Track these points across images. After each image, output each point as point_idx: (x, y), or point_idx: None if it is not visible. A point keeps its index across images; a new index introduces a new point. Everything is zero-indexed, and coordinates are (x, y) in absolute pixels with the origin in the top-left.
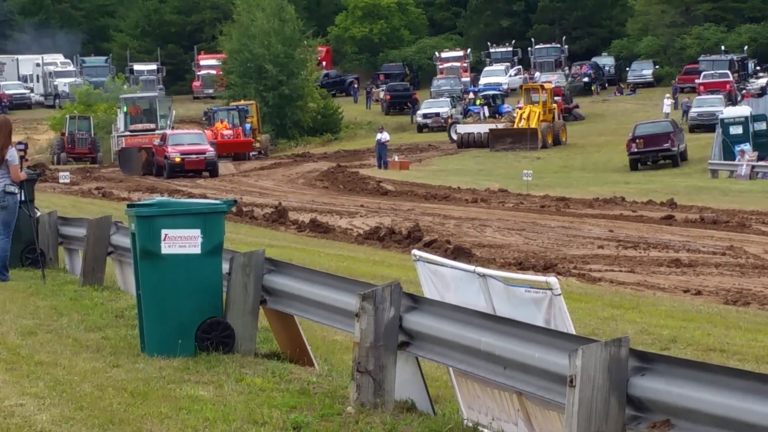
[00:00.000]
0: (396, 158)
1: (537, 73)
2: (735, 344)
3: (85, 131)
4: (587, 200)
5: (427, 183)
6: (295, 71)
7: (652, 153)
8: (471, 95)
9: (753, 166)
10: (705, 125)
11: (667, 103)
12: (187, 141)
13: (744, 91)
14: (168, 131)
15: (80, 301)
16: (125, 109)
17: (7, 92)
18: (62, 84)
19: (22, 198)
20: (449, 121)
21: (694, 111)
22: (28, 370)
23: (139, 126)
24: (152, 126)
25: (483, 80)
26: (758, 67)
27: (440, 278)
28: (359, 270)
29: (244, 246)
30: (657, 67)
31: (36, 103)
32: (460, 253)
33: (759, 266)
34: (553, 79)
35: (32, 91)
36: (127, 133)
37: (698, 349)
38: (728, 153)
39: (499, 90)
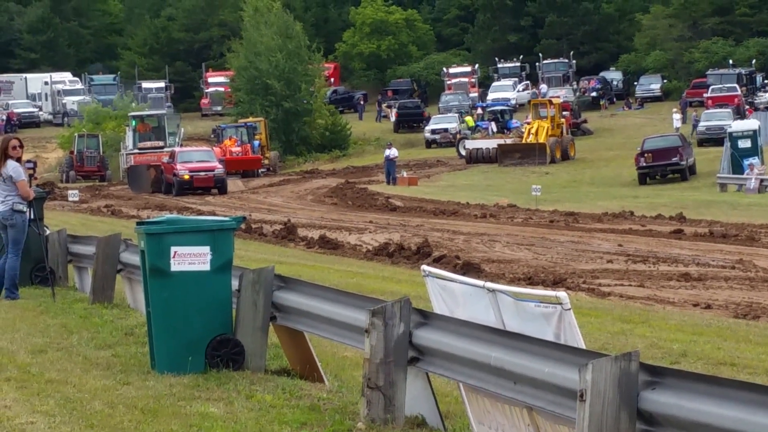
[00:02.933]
0: (404, 174)
1: (543, 86)
2: (745, 358)
3: (94, 149)
4: (596, 215)
5: (436, 199)
6: (300, 86)
7: (661, 167)
8: (479, 111)
9: (762, 180)
10: (713, 139)
11: (677, 117)
12: (195, 158)
13: (748, 107)
14: (177, 149)
15: (90, 319)
16: (134, 126)
17: (15, 111)
18: (71, 102)
19: (31, 216)
20: (458, 136)
21: (702, 125)
22: (39, 388)
23: (148, 144)
24: (161, 143)
25: (491, 95)
26: (766, 81)
27: (450, 294)
28: (368, 286)
29: (253, 263)
30: (665, 81)
31: (45, 121)
32: (469, 268)
33: None
34: (561, 94)
35: (41, 109)
36: (136, 150)
37: (708, 362)
38: (737, 167)
39: (508, 105)
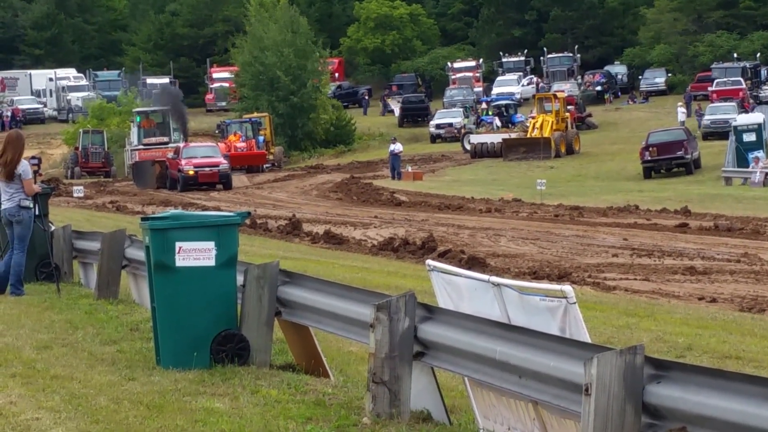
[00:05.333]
0: (409, 169)
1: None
2: (750, 351)
3: (99, 145)
4: (601, 209)
5: (441, 193)
6: (306, 82)
7: (666, 161)
8: (484, 105)
9: (767, 173)
10: (718, 132)
11: (681, 111)
12: (200, 154)
13: (744, 102)
14: (181, 144)
15: (95, 315)
16: (138, 122)
17: (20, 107)
18: (75, 98)
19: (37, 212)
20: (462, 131)
21: (707, 118)
22: (44, 384)
23: (153, 139)
24: (165, 139)
25: (495, 90)
26: None
27: (455, 288)
28: (373, 281)
29: (258, 258)
30: (669, 75)
31: (49, 117)
32: (474, 263)
33: None
34: (566, 88)
35: (45, 105)
36: (141, 146)
37: (714, 356)
38: (742, 160)
39: (512, 99)
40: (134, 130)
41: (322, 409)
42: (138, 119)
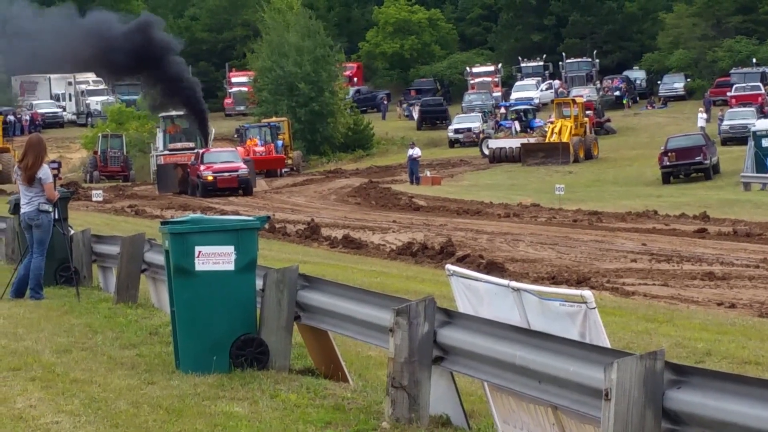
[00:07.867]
0: (428, 173)
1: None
2: None
3: (118, 149)
4: (620, 214)
5: (459, 198)
6: (324, 88)
7: (685, 166)
8: (503, 110)
9: None
10: (737, 138)
11: (702, 117)
12: (220, 159)
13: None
14: (201, 150)
15: (114, 319)
16: (164, 128)
17: (39, 111)
18: (94, 102)
19: (56, 216)
20: (481, 136)
21: (726, 124)
22: (64, 388)
23: (178, 145)
24: (191, 144)
25: (514, 95)
26: None
27: (474, 293)
28: (392, 285)
29: (277, 262)
30: (688, 80)
31: (68, 121)
32: (493, 267)
33: None
34: (585, 93)
35: (64, 109)
36: (167, 152)
37: (733, 362)
38: (761, 165)
39: (531, 104)
40: (159, 136)
41: (342, 414)
42: (164, 124)
